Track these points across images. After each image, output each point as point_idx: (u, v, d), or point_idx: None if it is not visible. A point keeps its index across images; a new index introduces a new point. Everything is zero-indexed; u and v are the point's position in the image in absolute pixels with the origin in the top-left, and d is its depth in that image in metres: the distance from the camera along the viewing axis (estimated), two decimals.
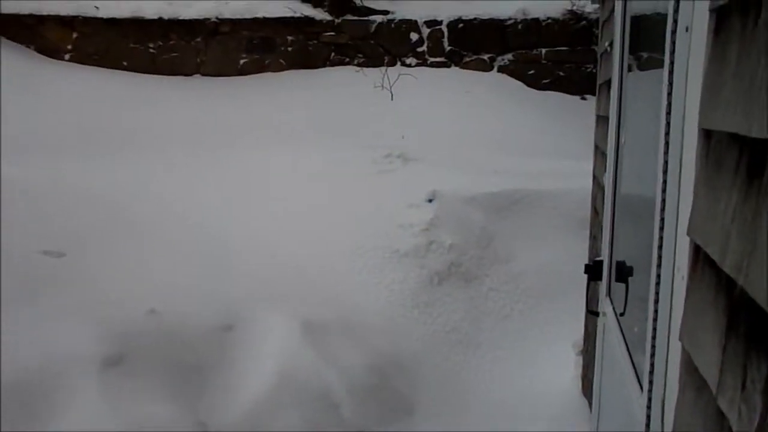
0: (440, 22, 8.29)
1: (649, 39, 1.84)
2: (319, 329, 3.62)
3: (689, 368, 1.13)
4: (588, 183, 3.82)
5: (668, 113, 1.36)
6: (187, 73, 8.01)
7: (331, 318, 3.79)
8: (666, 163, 1.36)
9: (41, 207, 4.26)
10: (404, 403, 3.68)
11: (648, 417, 1.40)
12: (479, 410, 3.77)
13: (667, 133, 1.36)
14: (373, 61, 8.17)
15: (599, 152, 3.23)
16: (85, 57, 7.79)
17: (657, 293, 1.35)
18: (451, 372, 4.03)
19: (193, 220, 4.50)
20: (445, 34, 8.32)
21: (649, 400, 1.38)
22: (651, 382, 1.39)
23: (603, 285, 2.27)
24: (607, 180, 2.37)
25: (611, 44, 2.50)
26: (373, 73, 7.65)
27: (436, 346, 4.11)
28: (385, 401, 3.59)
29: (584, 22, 8.13)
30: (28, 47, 7.70)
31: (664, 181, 1.36)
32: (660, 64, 1.47)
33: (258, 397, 3.16)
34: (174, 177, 5.12)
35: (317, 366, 3.41)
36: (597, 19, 4.95)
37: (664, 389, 1.29)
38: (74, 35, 7.84)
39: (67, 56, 7.80)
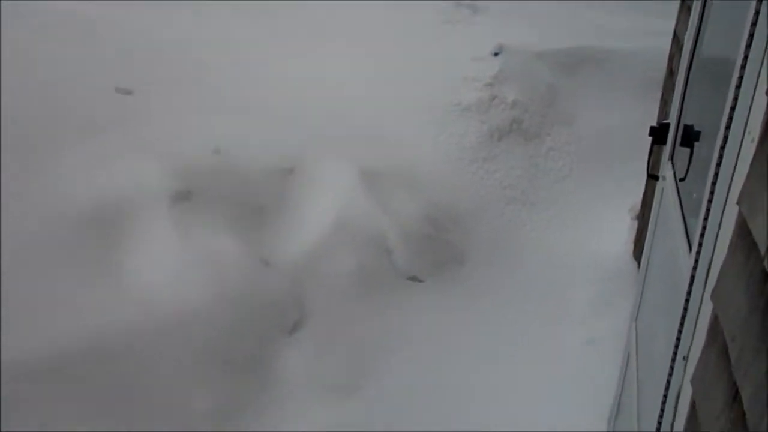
0: None
1: None
2: (377, 177, 3.70)
3: (742, 232, 1.12)
4: (663, 43, 3.59)
5: None
6: None
7: (389, 167, 3.85)
8: (756, 14, 1.25)
9: (116, 45, 4.32)
10: (456, 253, 3.81)
11: (692, 278, 1.41)
12: (531, 265, 3.86)
13: None
14: None
15: (685, 6, 3.01)
16: None
17: (721, 156, 1.31)
18: (505, 227, 4.10)
19: (259, 67, 4.50)
20: None
21: (696, 261, 1.39)
22: (700, 245, 1.39)
23: (666, 149, 2.21)
24: (688, 37, 2.22)
25: None
26: None
27: (491, 201, 4.16)
28: (437, 251, 3.71)
29: None
30: None
31: (751, 35, 1.25)
32: None
33: (315, 238, 3.32)
34: (242, 26, 5.06)
35: (374, 212, 3.52)
36: None
37: (713, 251, 1.30)
38: None
39: None
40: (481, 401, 2.87)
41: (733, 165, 1.25)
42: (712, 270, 1.31)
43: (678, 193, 1.90)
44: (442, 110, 4.44)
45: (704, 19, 2.07)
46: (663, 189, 2.19)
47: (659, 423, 1.57)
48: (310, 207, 3.41)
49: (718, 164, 1.34)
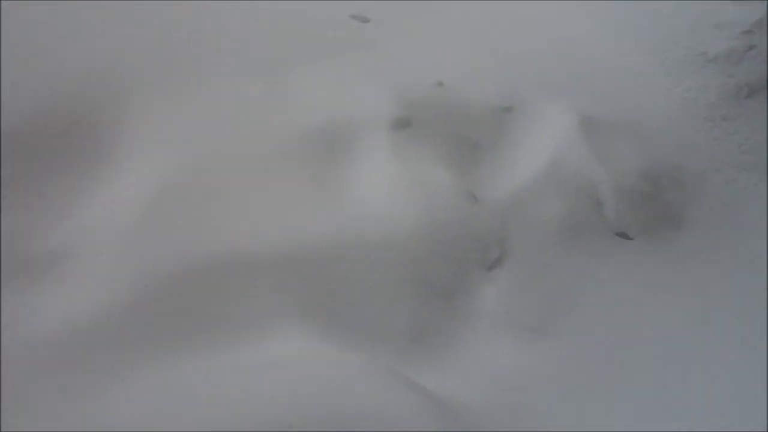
0: None
1: None
2: (598, 125, 3.53)
3: None
4: None
5: None
6: None
7: (612, 116, 3.65)
8: None
9: None
10: (673, 216, 3.55)
11: None
12: (760, 242, 3.49)
13: None
14: None
15: None
16: None
17: None
18: (736, 196, 3.72)
19: (488, 4, 4.44)
20: None
21: None
22: None
23: None
24: None
25: None
26: None
27: (724, 165, 3.78)
28: (652, 210, 3.49)
29: None
30: None
31: None
32: None
33: (525, 180, 3.29)
34: None
35: (589, 161, 3.38)
36: None
37: None
38: None
39: None
40: (680, 375, 2.71)
41: None
42: None
43: None
44: (680, 59, 4.06)
45: None
46: None
47: None
48: (524, 148, 3.38)
49: None
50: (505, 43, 4.03)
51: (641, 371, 2.74)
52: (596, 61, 4.01)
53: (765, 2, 4.00)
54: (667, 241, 3.40)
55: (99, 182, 3.06)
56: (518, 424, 2.46)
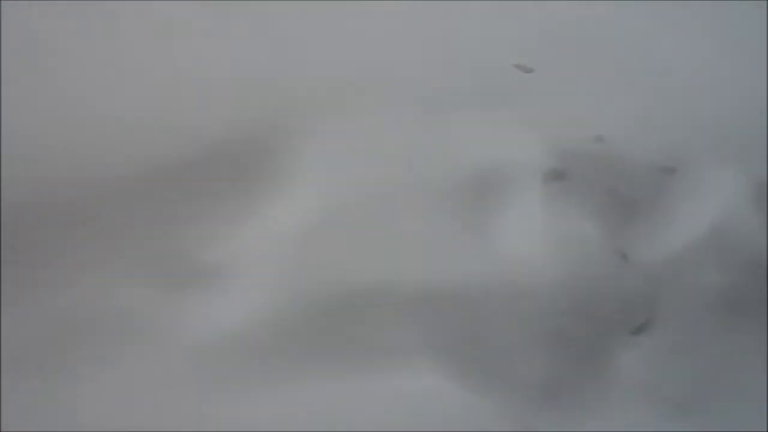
0: None
1: None
2: None
3: None
4: None
5: None
6: None
7: None
8: None
9: (517, 20, 4.59)
10: None
11: None
12: None
13: None
14: None
15: None
16: None
17: None
18: None
19: (653, 52, 4.30)
20: None
21: None
22: None
23: None
24: None
25: None
26: None
27: None
28: None
29: None
30: None
31: None
32: None
33: (684, 245, 3.12)
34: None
35: (761, 234, 3.15)
36: None
37: None
38: None
39: None
40: None
41: None
42: None
43: None
44: None
45: None
46: None
47: None
48: (686, 210, 3.21)
49: None
50: (677, 93, 3.87)
51: None
52: None
53: None
54: None
55: (264, 202, 3.32)
56: None
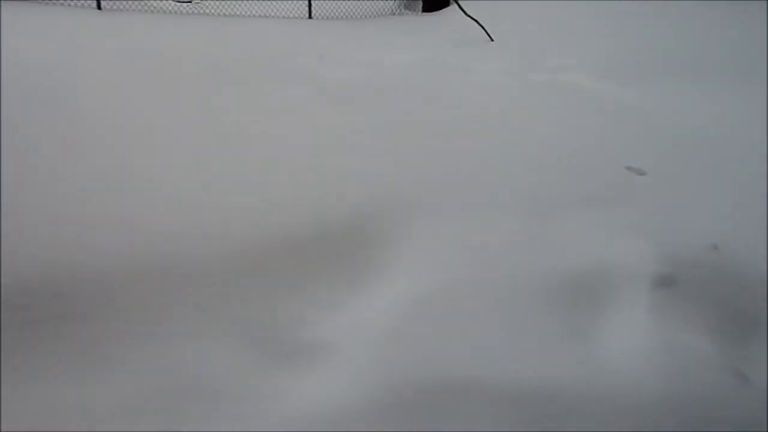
0: None
1: None
2: None
3: None
4: None
5: None
6: None
7: None
8: None
9: (631, 124, 4.54)
10: None
11: None
12: None
13: None
14: None
15: None
16: None
17: None
18: None
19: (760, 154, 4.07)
20: None
21: None
22: None
23: None
24: None
25: None
26: None
27: None
28: None
29: None
30: None
31: None
32: None
33: None
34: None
35: None
36: None
37: None
38: None
39: None
40: None
41: None
42: None
43: None
44: None
45: None
46: None
47: None
48: None
49: None
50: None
51: None
52: None
53: None
54: None
55: (363, 287, 3.38)
56: None
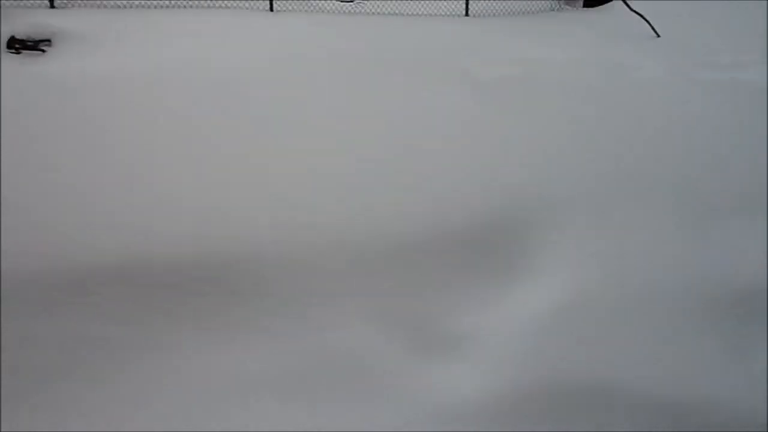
0: None
1: None
2: None
3: None
4: None
5: None
6: None
7: None
8: None
9: None
10: None
11: None
12: None
13: None
14: None
15: None
16: None
17: None
18: None
19: None
20: None
21: None
22: None
23: None
24: None
25: None
26: None
27: None
28: None
29: None
30: None
31: None
32: None
33: None
34: None
35: None
36: None
37: None
38: None
39: None
40: None
41: None
42: None
43: None
44: None
45: None
46: None
47: None
48: None
49: None
50: None
51: None
52: None
53: None
54: None
55: (513, 285, 3.41)
56: None
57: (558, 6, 8.73)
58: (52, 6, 7.78)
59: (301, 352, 3.03)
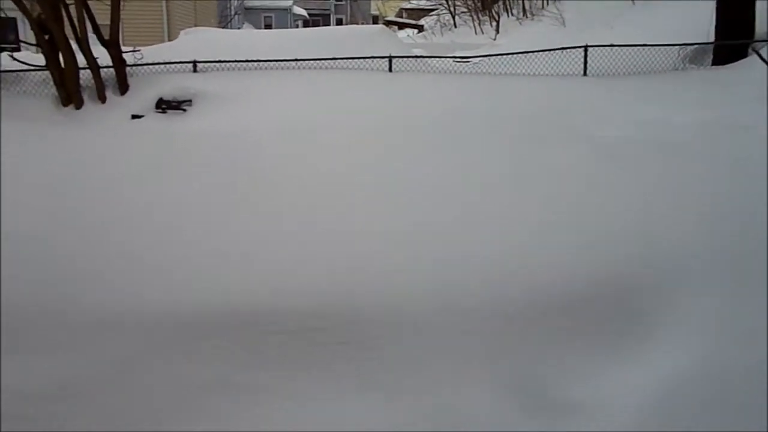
0: None
1: None
2: None
3: None
4: None
5: None
6: None
7: None
8: None
9: None
10: None
11: None
12: None
13: None
14: None
15: None
16: None
17: None
18: None
19: None
20: None
21: None
22: None
23: None
24: None
25: None
26: None
27: None
28: None
29: None
30: None
31: None
32: None
33: None
34: None
35: None
36: None
37: None
38: None
39: None
40: None
41: None
42: None
43: None
44: None
45: None
46: None
47: None
48: None
49: None
50: None
51: None
52: None
53: None
54: None
55: (624, 354, 3.30)
56: None
57: (682, 65, 8.47)
58: (194, 70, 8.55)
59: (414, 409, 3.07)
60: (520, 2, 16.49)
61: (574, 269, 3.77)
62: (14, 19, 16.31)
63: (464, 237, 4.10)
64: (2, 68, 8.29)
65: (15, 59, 8.42)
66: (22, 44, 13.18)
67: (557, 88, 7.42)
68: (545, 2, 15.99)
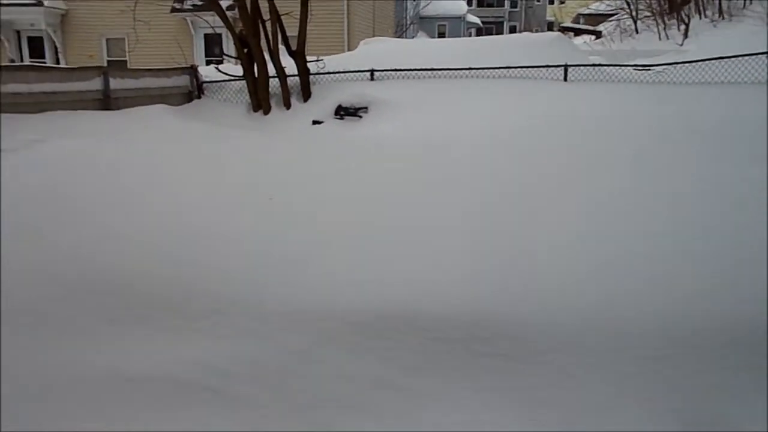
0: None
1: None
2: None
3: None
4: None
5: None
6: None
7: None
8: None
9: None
10: None
11: None
12: None
13: None
14: None
15: None
16: None
17: None
18: None
19: None
20: None
21: None
22: None
23: None
24: None
25: None
26: None
27: None
28: None
29: None
30: None
31: None
32: None
33: None
34: None
35: None
36: None
37: None
38: None
39: None
40: None
41: None
42: None
43: None
44: None
45: None
46: None
47: None
48: None
49: None
50: None
51: None
52: None
53: None
54: None
55: None
56: None
57: None
58: (371, 78, 8.96)
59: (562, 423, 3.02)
60: (716, 1, 15.16)
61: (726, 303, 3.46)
62: (219, 35, 18.10)
63: (626, 257, 3.93)
64: (208, 79, 9.29)
65: (219, 71, 9.41)
66: (224, 57, 14.62)
67: (748, 99, 6.82)
68: (747, 1, 14.58)
